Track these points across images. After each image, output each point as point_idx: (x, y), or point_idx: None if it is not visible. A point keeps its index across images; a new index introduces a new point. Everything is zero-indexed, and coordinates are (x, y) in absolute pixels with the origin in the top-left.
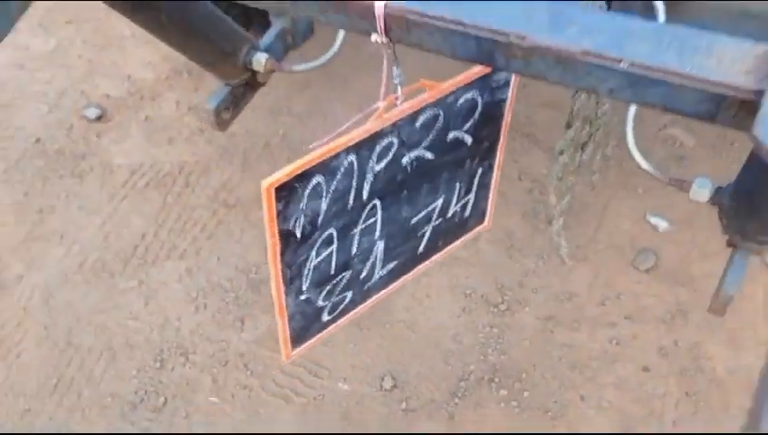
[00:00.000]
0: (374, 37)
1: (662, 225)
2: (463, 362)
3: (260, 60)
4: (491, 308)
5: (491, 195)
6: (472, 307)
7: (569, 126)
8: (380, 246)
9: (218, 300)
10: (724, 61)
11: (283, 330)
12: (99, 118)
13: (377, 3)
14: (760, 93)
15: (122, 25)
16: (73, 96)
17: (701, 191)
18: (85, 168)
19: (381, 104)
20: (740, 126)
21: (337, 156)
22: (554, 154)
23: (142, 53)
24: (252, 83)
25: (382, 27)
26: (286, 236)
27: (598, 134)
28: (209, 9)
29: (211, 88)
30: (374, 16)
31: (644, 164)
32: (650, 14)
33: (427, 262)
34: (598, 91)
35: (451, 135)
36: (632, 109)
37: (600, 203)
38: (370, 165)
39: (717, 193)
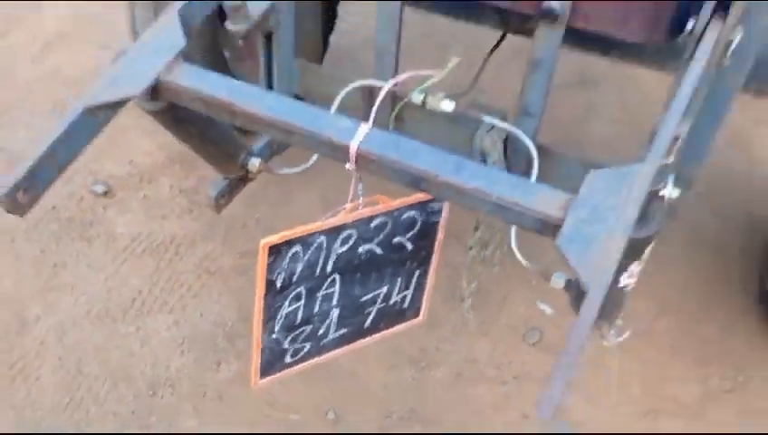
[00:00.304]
0: (347, 166)
1: (548, 310)
2: (389, 404)
3: (254, 163)
4: (414, 365)
5: (426, 294)
6: (399, 364)
7: (476, 229)
8: (336, 312)
9: (199, 347)
10: (549, 200)
11: (255, 360)
12: (105, 193)
13: (351, 144)
14: (563, 220)
15: (128, 118)
16: (84, 174)
17: (558, 281)
18: (93, 233)
19: (348, 206)
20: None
21: (312, 235)
22: (467, 249)
23: (143, 142)
24: (244, 179)
25: (353, 160)
26: (269, 284)
27: (498, 236)
28: (223, 125)
29: (199, 175)
30: (348, 153)
31: (523, 261)
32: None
33: (369, 338)
34: (481, 211)
35: (396, 239)
36: None
37: (502, 290)
38: (335, 247)
39: (568, 283)
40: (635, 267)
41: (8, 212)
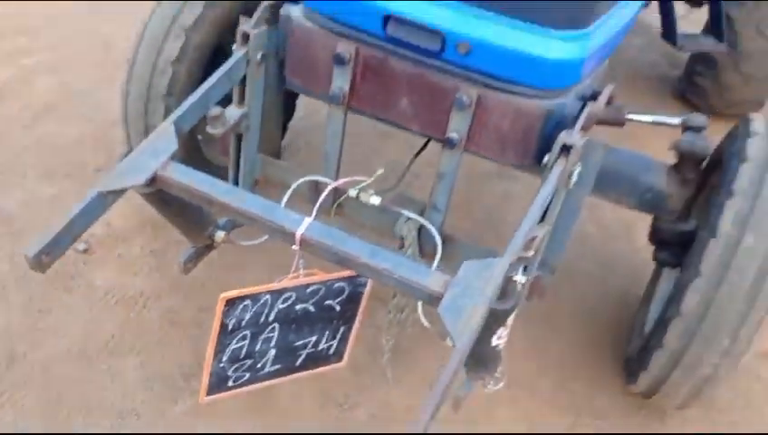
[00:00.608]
0: (293, 247)
1: None
2: None
3: (219, 235)
4: (338, 406)
5: (349, 344)
6: (327, 404)
7: (394, 296)
8: (273, 352)
9: (162, 385)
10: (435, 280)
11: (204, 381)
12: (85, 251)
13: (297, 232)
14: (443, 294)
15: None
16: None
17: (450, 340)
18: (74, 285)
19: (290, 275)
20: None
21: (260, 293)
22: (387, 312)
23: (120, 207)
24: (209, 247)
25: (298, 243)
26: (222, 326)
27: (411, 303)
28: (199, 208)
29: (167, 239)
30: (294, 238)
31: (426, 323)
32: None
33: (300, 373)
34: (388, 285)
35: (327, 302)
36: None
37: (416, 348)
38: (277, 304)
39: None
40: (502, 331)
41: (32, 269)
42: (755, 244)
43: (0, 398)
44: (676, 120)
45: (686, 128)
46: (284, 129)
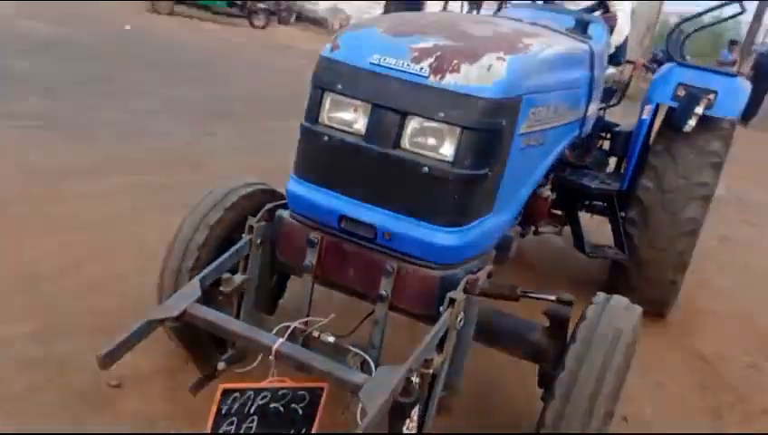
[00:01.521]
0: (270, 357)
1: None
2: None
3: (221, 365)
4: None
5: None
6: None
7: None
8: None
9: None
10: (360, 378)
11: None
12: (117, 385)
13: (274, 346)
14: (362, 386)
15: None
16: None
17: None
18: (108, 410)
19: (268, 380)
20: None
21: (246, 389)
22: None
23: (143, 357)
24: (212, 376)
25: (274, 354)
26: (218, 410)
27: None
28: (208, 344)
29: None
30: (272, 351)
31: (359, 420)
32: None
33: None
34: (329, 380)
35: (292, 405)
36: None
37: None
38: (257, 399)
39: None
40: (409, 423)
41: (99, 367)
42: (587, 377)
43: None
44: (552, 296)
45: (558, 301)
46: (275, 301)
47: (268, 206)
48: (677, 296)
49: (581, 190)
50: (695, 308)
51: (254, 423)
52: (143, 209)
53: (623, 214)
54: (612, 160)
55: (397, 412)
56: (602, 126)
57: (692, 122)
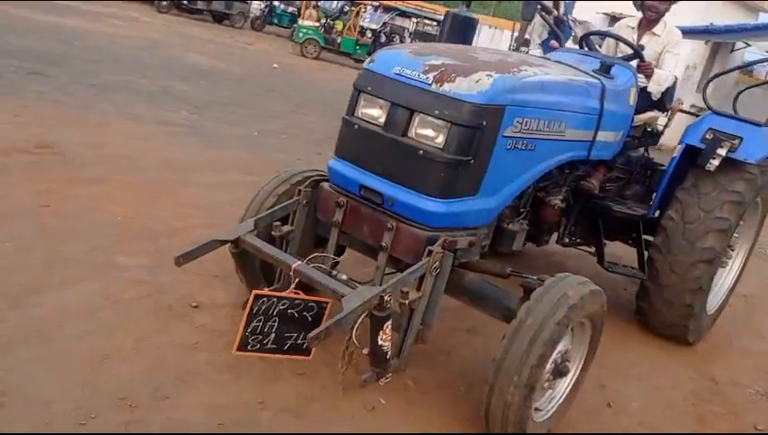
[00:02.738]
0: (290, 273)
1: (382, 401)
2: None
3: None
4: (304, 398)
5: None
6: (305, 396)
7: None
8: (272, 336)
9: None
10: (345, 289)
11: (236, 340)
12: (196, 306)
13: (293, 265)
14: (345, 295)
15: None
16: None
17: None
18: (185, 319)
19: (289, 290)
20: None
21: (272, 296)
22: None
23: (221, 293)
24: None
25: (292, 271)
26: (251, 310)
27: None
28: (258, 272)
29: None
30: (291, 269)
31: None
32: None
33: (284, 355)
34: (322, 290)
35: (304, 313)
36: None
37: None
38: (278, 305)
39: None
40: (383, 335)
41: (175, 264)
42: (532, 324)
43: None
44: (535, 277)
45: (539, 279)
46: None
47: (314, 177)
48: (700, 323)
49: (604, 213)
50: (729, 343)
51: (276, 324)
52: (246, 199)
53: (651, 240)
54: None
55: (374, 324)
56: (644, 164)
57: (715, 162)
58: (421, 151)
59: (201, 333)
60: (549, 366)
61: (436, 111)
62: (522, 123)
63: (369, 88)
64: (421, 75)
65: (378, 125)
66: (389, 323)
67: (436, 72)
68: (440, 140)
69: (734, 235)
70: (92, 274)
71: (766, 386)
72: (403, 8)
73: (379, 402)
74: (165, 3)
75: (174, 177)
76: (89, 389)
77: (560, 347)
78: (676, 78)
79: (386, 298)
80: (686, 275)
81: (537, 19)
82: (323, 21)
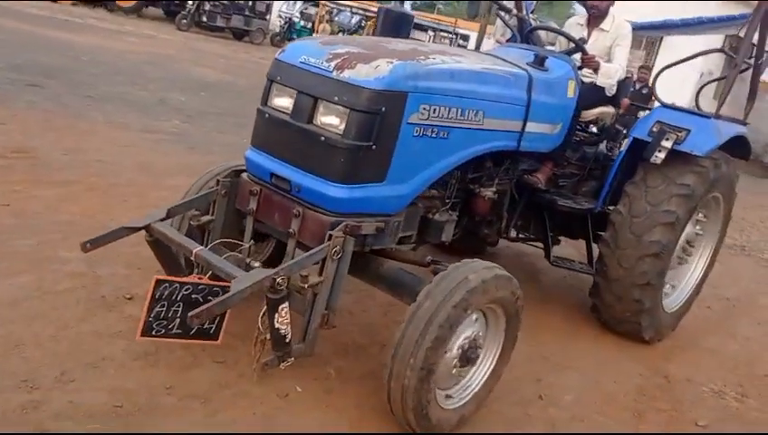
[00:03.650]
0: (191, 257)
1: (298, 389)
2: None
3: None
4: (223, 381)
5: (222, 331)
6: (220, 381)
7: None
8: (177, 320)
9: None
10: (237, 272)
11: (140, 327)
12: (129, 298)
13: (194, 250)
14: (236, 277)
15: None
16: None
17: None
18: (118, 310)
19: (192, 276)
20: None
21: (174, 281)
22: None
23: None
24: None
25: (194, 256)
26: (153, 295)
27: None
28: (175, 258)
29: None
30: (192, 254)
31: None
32: None
33: (192, 340)
34: (220, 275)
35: (209, 297)
36: None
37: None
38: (182, 290)
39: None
40: (279, 318)
41: (81, 249)
42: (429, 307)
43: None
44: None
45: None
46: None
47: (234, 168)
48: (655, 320)
49: (549, 207)
50: (695, 343)
51: (181, 308)
52: None
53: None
54: None
55: (269, 306)
56: (601, 160)
57: (661, 155)
58: (323, 138)
59: (127, 322)
60: (455, 352)
61: (336, 98)
62: (429, 110)
63: (279, 77)
64: (324, 63)
65: (286, 113)
66: (285, 305)
67: (338, 60)
68: (341, 126)
69: (698, 232)
70: (31, 267)
71: (722, 385)
72: (419, 21)
73: (294, 390)
74: (185, 21)
75: (147, 180)
76: None
77: (467, 333)
78: (631, 73)
79: (278, 280)
80: (634, 269)
81: (499, 20)
82: (340, 35)
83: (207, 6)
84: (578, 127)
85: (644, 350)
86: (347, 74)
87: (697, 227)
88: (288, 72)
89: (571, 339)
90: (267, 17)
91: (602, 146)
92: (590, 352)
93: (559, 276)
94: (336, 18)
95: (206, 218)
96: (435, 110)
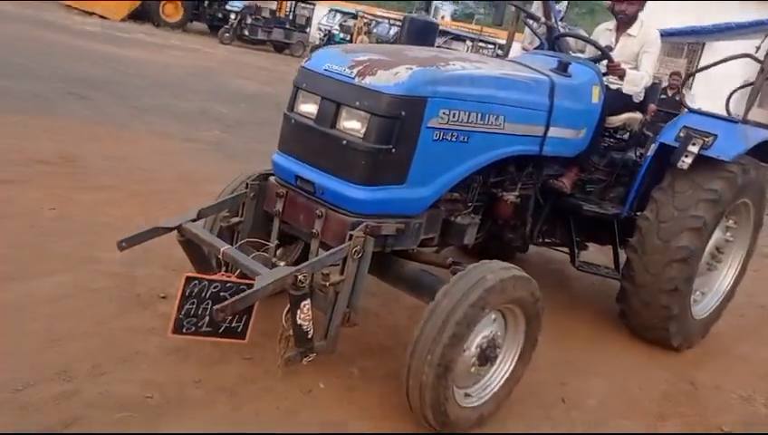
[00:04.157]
0: (219, 256)
1: (321, 385)
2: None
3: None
4: (254, 373)
5: (249, 330)
6: (249, 372)
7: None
8: (207, 318)
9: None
10: (262, 269)
11: (171, 324)
12: (164, 297)
13: (222, 249)
14: (261, 274)
15: None
16: None
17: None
18: (155, 308)
19: (219, 274)
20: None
21: (203, 279)
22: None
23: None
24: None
25: (222, 255)
26: (184, 292)
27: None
28: (206, 257)
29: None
30: (220, 253)
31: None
32: None
33: (222, 338)
34: (248, 273)
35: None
36: None
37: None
38: (210, 288)
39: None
40: (301, 314)
41: (118, 248)
42: (446, 305)
43: None
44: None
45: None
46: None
47: (262, 172)
48: (684, 327)
49: (575, 212)
50: (726, 351)
51: (209, 305)
52: None
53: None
54: None
55: (291, 303)
56: (630, 166)
57: (687, 160)
58: (345, 142)
59: (161, 320)
60: (474, 350)
61: (357, 103)
62: (449, 115)
63: (304, 84)
64: (346, 70)
65: (311, 118)
66: (307, 302)
67: (360, 67)
68: (362, 130)
69: (728, 239)
70: (69, 266)
71: (751, 391)
72: (457, 32)
73: (317, 386)
74: (227, 35)
75: (186, 187)
76: (31, 363)
77: (485, 332)
78: (659, 80)
79: (299, 277)
80: (661, 274)
81: (527, 28)
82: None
83: (249, 20)
84: (605, 133)
85: (673, 357)
86: (368, 80)
87: (728, 234)
88: (313, 79)
89: (598, 345)
90: (307, 30)
91: (631, 152)
92: (618, 358)
93: (587, 283)
94: (374, 30)
95: (235, 220)
96: (454, 114)
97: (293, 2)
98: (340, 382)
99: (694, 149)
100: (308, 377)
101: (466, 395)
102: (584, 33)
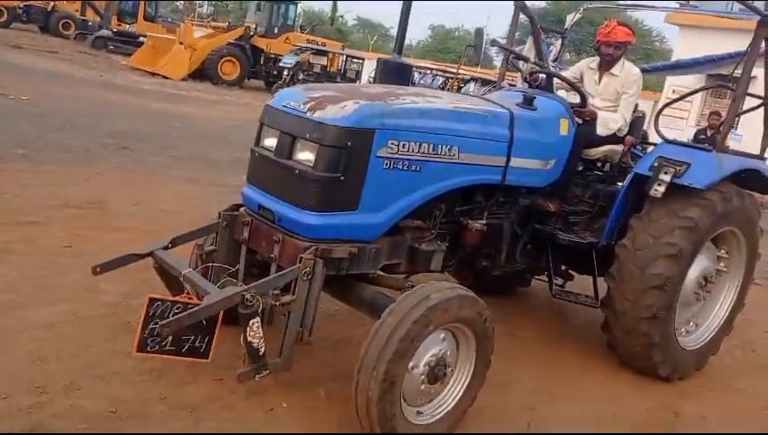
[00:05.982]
0: (180, 278)
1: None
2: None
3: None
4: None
5: (212, 349)
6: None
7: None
8: (170, 338)
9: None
10: (211, 289)
11: (135, 342)
12: None
13: (183, 272)
14: (210, 293)
15: None
16: None
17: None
18: None
19: (183, 295)
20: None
21: (165, 300)
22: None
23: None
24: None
25: (182, 278)
26: (147, 313)
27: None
28: (178, 280)
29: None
30: (181, 275)
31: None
32: None
33: (185, 357)
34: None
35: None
36: None
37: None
38: (173, 309)
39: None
40: (250, 332)
41: (92, 272)
42: (391, 323)
43: None
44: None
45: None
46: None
47: (235, 203)
48: (670, 356)
49: (551, 241)
50: (724, 382)
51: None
52: None
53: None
54: None
55: (241, 321)
56: (610, 195)
57: (660, 188)
58: (298, 171)
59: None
60: (422, 368)
61: (308, 135)
62: (398, 145)
63: (267, 120)
64: (301, 105)
65: (271, 151)
66: (257, 321)
67: (312, 103)
68: (311, 159)
69: (722, 269)
70: (71, 296)
71: (740, 423)
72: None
73: (280, 405)
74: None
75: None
76: (14, 378)
77: (434, 350)
78: (643, 113)
79: (247, 296)
80: (639, 302)
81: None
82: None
83: (301, 76)
84: (588, 165)
85: (662, 387)
86: (317, 114)
87: (721, 264)
88: (274, 115)
89: (587, 374)
90: (357, 82)
91: (619, 184)
92: (601, 386)
93: (594, 315)
94: (421, 81)
95: (209, 248)
96: (404, 145)
97: (345, 57)
98: (304, 403)
99: (666, 177)
100: (273, 397)
101: (418, 413)
102: (557, 72)
